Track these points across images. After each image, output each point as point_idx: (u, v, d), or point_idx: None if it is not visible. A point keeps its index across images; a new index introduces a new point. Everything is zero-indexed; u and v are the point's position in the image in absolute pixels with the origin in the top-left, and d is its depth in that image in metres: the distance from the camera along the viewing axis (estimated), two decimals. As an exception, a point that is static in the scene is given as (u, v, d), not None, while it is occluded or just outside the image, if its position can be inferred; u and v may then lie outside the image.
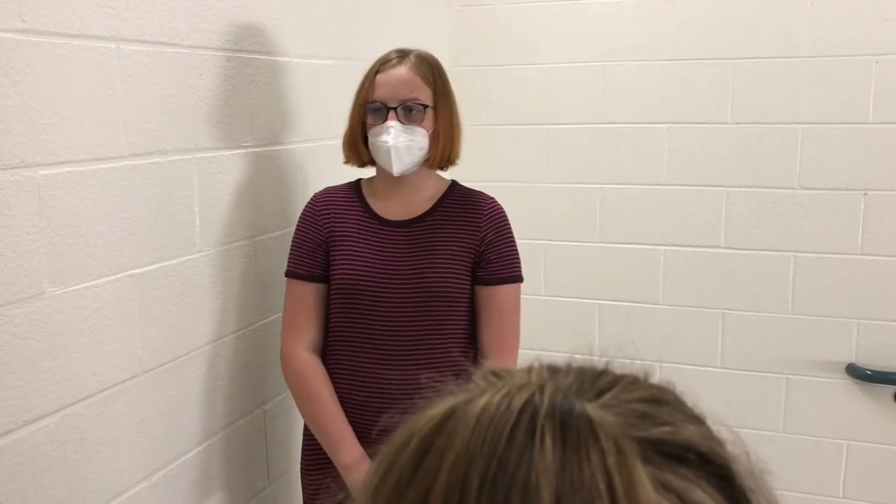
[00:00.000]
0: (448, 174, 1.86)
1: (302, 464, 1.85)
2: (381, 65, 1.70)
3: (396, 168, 1.68)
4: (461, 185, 1.84)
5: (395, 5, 2.52)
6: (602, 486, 0.37)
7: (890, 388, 2.50)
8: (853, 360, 2.53)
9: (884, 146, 2.44)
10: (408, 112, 1.68)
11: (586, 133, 2.75)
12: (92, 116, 1.40)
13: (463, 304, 1.75)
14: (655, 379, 0.47)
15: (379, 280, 1.71)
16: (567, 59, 2.74)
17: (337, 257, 1.75)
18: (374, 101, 1.69)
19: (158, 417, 1.61)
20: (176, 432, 1.66)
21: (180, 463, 1.68)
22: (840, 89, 2.46)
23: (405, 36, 2.30)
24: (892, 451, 2.52)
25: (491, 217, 1.76)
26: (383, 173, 1.76)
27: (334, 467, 1.73)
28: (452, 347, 1.73)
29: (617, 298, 2.76)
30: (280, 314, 1.87)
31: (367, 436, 1.69)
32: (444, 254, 1.73)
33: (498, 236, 1.76)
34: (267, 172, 1.92)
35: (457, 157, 1.78)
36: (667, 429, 0.41)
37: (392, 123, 1.66)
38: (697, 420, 0.44)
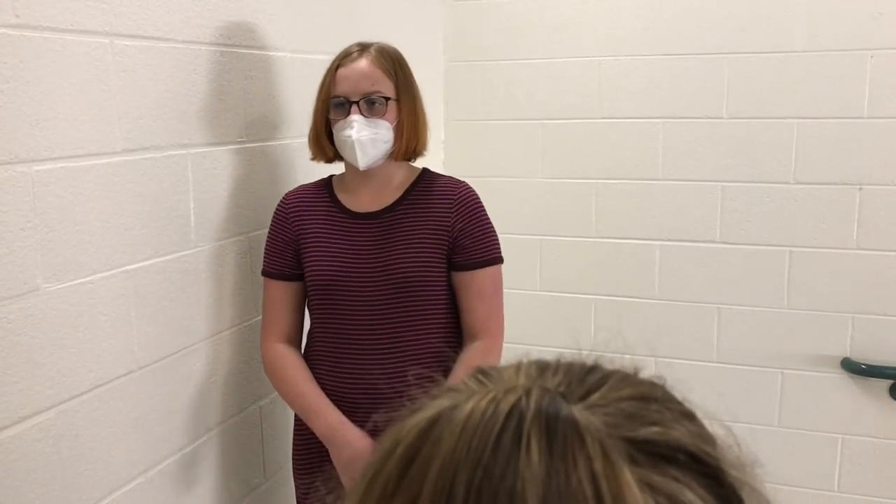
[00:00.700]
0: (443, 170, 1.86)
1: (293, 465, 1.85)
2: (342, 59, 1.70)
3: (362, 162, 1.68)
4: (432, 173, 1.82)
5: (388, 0, 2.52)
6: (589, 492, 0.37)
7: (885, 382, 2.51)
8: (848, 355, 2.53)
9: (879, 141, 2.45)
10: (370, 105, 1.67)
11: (581, 128, 2.74)
12: (86, 112, 1.40)
13: (440, 292, 1.74)
14: (646, 374, 0.47)
15: (351, 273, 1.71)
16: (562, 53, 2.74)
17: (308, 255, 1.75)
18: (337, 97, 1.68)
19: (154, 413, 1.61)
20: (171, 428, 1.66)
21: (176, 459, 1.68)
22: (835, 84, 2.46)
23: (399, 31, 2.29)
24: (887, 445, 2.53)
25: (461, 202, 1.74)
26: (351, 168, 1.75)
27: (324, 469, 1.73)
28: (433, 337, 1.73)
29: (612, 293, 2.76)
30: (275, 310, 1.86)
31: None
32: (415, 242, 1.72)
33: (471, 221, 1.74)
34: (261, 167, 1.92)
35: (423, 147, 1.78)
36: (656, 429, 0.41)
37: (355, 118, 1.66)
38: (688, 417, 0.44)
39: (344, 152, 1.71)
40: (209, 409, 1.78)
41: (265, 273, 1.80)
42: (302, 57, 2.03)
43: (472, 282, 1.74)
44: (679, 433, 0.41)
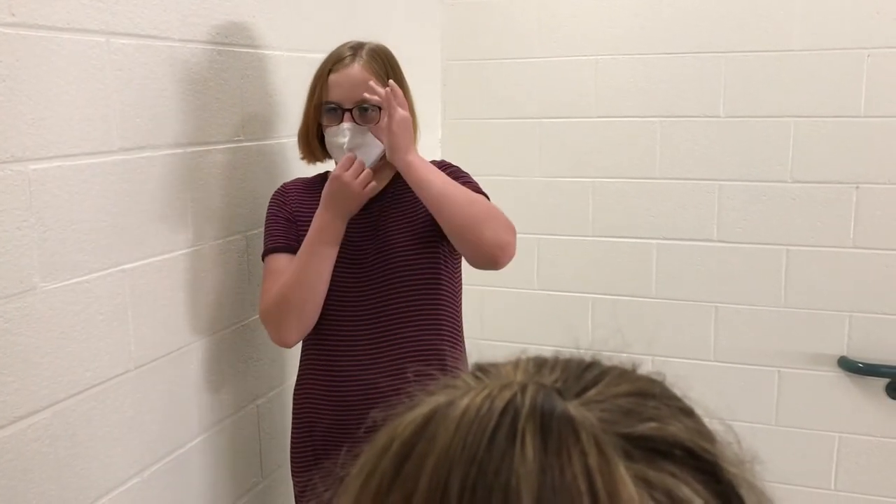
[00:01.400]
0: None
1: (291, 463, 1.85)
2: (334, 64, 1.68)
3: None
4: None
5: (387, -1, 2.51)
6: (584, 487, 0.37)
7: (882, 381, 2.51)
8: (845, 353, 2.54)
9: (876, 140, 2.45)
10: (363, 112, 1.67)
11: (579, 127, 2.74)
12: (82, 110, 1.39)
13: (437, 281, 1.73)
14: (644, 370, 0.46)
15: (342, 263, 1.70)
16: (559, 52, 2.74)
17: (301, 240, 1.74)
18: (329, 103, 1.68)
19: (150, 413, 1.60)
20: (168, 428, 1.66)
21: (173, 458, 1.68)
22: (832, 83, 2.47)
23: (396, 30, 2.29)
24: (884, 444, 2.53)
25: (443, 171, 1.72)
26: None
27: (321, 467, 1.73)
28: (429, 332, 1.72)
29: (610, 292, 2.76)
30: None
31: (357, 434, 1.67)
32: (402, 225, 1.72)
33: (452, 177, 1.70)
34: (258, 166, 1.91)
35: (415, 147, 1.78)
36: (652, 425, 0.41)
37: (347, 125, 1.66)
38: (685, 413, 0.44)
39: (336, 156, 1.72)
40: (206, 408, 1.78)
41: (271, 250, 1.74)
42: (298, 56, 2.03)
43: None
44: (676, 429, 0.41)
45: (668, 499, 0.38)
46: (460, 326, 1.82)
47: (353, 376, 1.71)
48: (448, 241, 1.69)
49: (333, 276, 1.69)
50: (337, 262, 1.69)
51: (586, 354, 0.47)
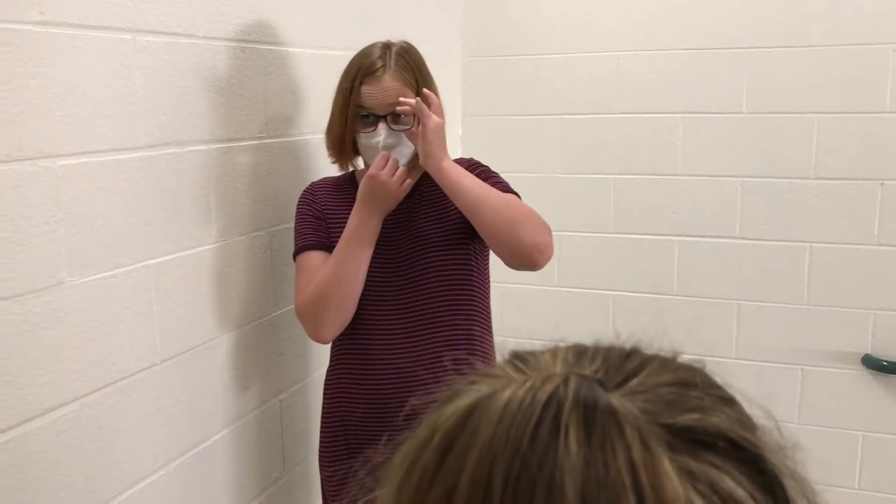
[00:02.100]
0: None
1: (320, 456, 1.86)
2: (365, 76, 1.69)
3: None
4: None
5: (408, -4, 2.52)
6: (628, 482, 0.37)
7: (906, 379, 2.49)
8: (869, 351, 2.52)
9: (901, 135, 2.42)
10: (396, 118, 1.70)
11: (600, 123, 2.74)
12: (109, 107, 1.41)
13: (462, 266, 1.74)
14: (685, 358, 0.46)
15: (375, 258, 1.71)
16: (580, 49, 2.73)
17: (331, 239, 1.76)
18: (363, 109, 1.70)
19: (175, 406, 1.62)
20: (193, 421, 1.68)
21: (197, 452, 1.69)
22: (856, 78, 2.44)
23: (416, 27, 2.30)
24: (909, 442, 2.51)
25: (469, 169, 1.74)
26: None
27: (355, 458, 1.74)
28: (462, 319, 1.74)
29: (631, 289, 2.75)
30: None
31: (393, 423, 1.67)
32: (433, 224, 1.74)
33: (479, 176, 1.72)
34: (281, 163, 1.93)
35: None
36: (695, 415, 0.41)
37: (382, 130, 1.69)
38: (727, 402, 0.44)
39: (370, 158, 1.74)
40: (230, 402, 1.79)
41: (303, 248, 1.76)
42: (321, 53, 2.04)
43: None
44: (718, 419, 0.41)
45: (711, 490, 0.38)
46: (490, 319, 1.84)
47: (388, 365, 1.73)
48: (479, 238, 1.71)
49: (368, 270, 1.71)
50: (372, 257, 1.71)
51: (626, 342, 0.47)
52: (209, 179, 1.68)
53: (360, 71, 1.71)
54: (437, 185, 1.72)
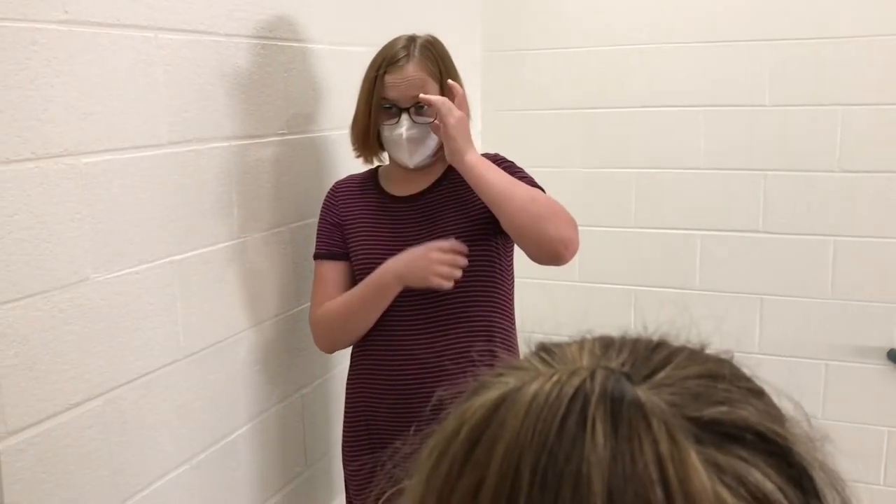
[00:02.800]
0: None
1: (343, 452, 1.87)
2: (389, 65, 1.70)
3: (411, 161, 1.73)
4: None
5: (428, -9, 2.52)
6: (655, 475, 0.37)
7: (933, 374, 2.46)
8: (894, 346, 2.49)
9: (927, 127, 2.39)
10: (419, 109, 1.70)
11: (621, 117, 2.72)
12: (132, 105, 1.42)
13: (485, 260, 1.74)
14: (712, 350, 0.46)
15: (396, 253, 1.72)
16: (601, 42, 2.72)
17: (354, 238, 1.79)
18: (386, 101, 1.71)
19: (199, 401, 1.63)
20: (216, 416, 1.69)
21: (221, 446, 1.71)
22: (881, 70, 2.41)
23: (436, 21, 2.29)
24: (935, 438, 2.48)
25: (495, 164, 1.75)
26: (397, 163, 1.79)
27: (377, 453, 1.75)
28: (484, 310, 1.74)
29: (653, 284, 2.74)
30: (316, 300, 1.88)
31: (419, 415, 1.66)
32: (456, 217, 1.74)
33: (506, 171, 1.72)
34: (302, 159, 1.94)
35: None
36: (723, 408, 0.41)
37: (405, 121, 1.70)
38: (755, 395, 0.44)
39: (393, 150, 1.74)
40: (252, 397, 1.80)
41: (316, 255, 1.83)
42: (341, 49, 2.05)
43: None
44: (747, 412, 0.41)
45: (738, 483, 0.38)
46: (513, 313, 1.84)
47: (412, 360, 1.74)
48: (503, 232, 1.71)
49: (386, 260, 1.72)
50: (391, 248, 1.73)
51: (654, 334, 0.47)
52: (231, 176, 1.69)
53: (385, 61, 1.72)
54: (455, 188, 1.73)
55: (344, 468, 1.88)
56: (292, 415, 1.95)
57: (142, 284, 1.47)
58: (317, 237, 1.84)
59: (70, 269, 1.31)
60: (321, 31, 1.97)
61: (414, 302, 1.73)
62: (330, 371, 2.07)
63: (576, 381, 0.41)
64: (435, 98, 1.65)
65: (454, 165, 1.67)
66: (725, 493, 0.37)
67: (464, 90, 1.75)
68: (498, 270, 1.77)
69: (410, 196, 1.79)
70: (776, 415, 0.43)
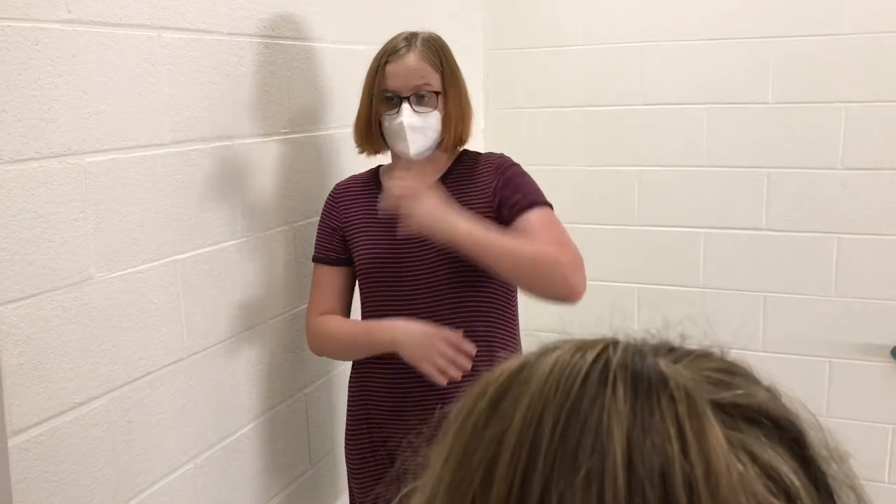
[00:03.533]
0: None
1: (346, 451, 1.86)
2: (390, 55, 1.71)
3: (412, 149, 1.70)
4: (471, 152, 1.83)
5: (430, -10, 2.52)
6: (673, 431, 0.38)
7: (937, 372, 2.46)
8: (898, 344, 2.49)
9: (931, 124, 2.39)
10: (420, 99, 1.70)
11: (624, 115, 2.72)
12: (135, 104, 1.42)
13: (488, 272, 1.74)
14: (728, 354, 0.47)
15: (398, 254, 1.72)
16: (603, 40, 2.71)
17: (355, 240, 1.79)
18: (387, 91, 1.70)
19: (203, 400, 1.64)
20: (220, 415, 1.69)
21: (224, 445, 1.71)
22: (886, 67, 2.41)
23: (439, 20, 2.29)
24: (939, 436, 2.47)
25: (497, 168, 1.75)
26: (399, 158, 1.78)
27: (379, 451, 1.76)
28: (486, 307, 1.73)
29: (656, 282, 2.74)
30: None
31: (426, 417, 1.65)
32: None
33: (508, 180, 1.72)
34: (306, 158, 1.94)
35: (468, 136, 1.79)
36: (740, 392, 0.42)
37: (406, 109, 1.69)
38: (771, 390, 0.45)
39: (394, 141, 1.73)
40: (256, 396, 1.81)
41: (314, 259, 1.84)
42: (344, 48, 2.05)
43: (526, 226, 1.68)
44: (763, 397, 0.43)
45: (751, 460, 0.39)
46: (516, 321, 1.83)
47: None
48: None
49: (389, 261, 1.73)
50: (393, 249, 1.72)
51: (673, 336, 0.48)
52: (234, 175, 1.69)
53: (386, 52, 1.72)
54: (458, 187, 1.72)
55: (347, 466, 1.88)
56: (296, 413, 1.95)
57: (145, 283, 1.47)
58: (316, 240, 1.84)
59: (74, 269, 1.32)
60: (324, 30, 1.97)
61: (411, 304, 1.72)
62: (333, 370, 2.07)
63: (598, 348, 0.43)
64: (406, 186, 1.59)
65: (450, 245, 1.61)
66: (739, 467, 0.38)
67: (466, 87, 1.75)
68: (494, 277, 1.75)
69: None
70: (791, 409, 0.45)
